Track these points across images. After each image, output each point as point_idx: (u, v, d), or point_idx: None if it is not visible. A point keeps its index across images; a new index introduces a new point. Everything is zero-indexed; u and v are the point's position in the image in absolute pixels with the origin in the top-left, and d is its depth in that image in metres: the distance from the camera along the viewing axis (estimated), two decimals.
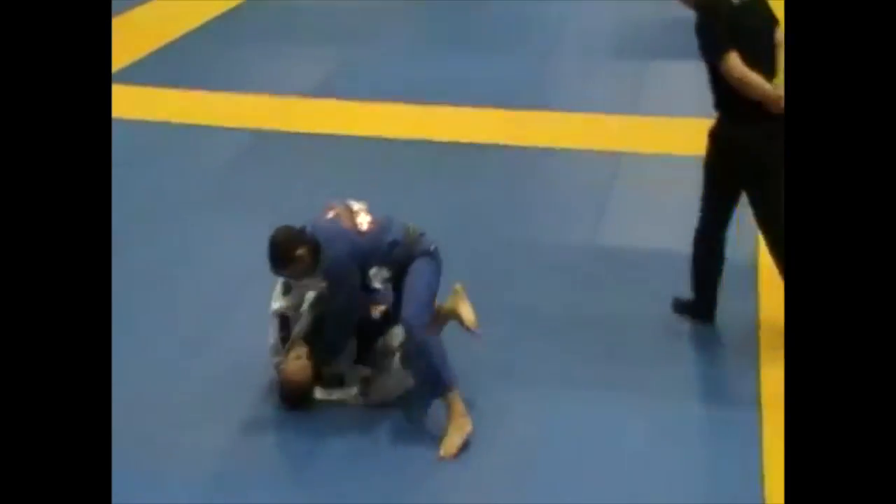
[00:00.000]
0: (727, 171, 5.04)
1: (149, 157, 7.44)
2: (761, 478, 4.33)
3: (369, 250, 4.69)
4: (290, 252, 4.61)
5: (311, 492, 4.45)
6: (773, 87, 4.69)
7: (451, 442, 4.54)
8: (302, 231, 4.68)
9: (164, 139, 7.79)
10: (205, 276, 5.97)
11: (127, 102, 7.86)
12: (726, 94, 4.86)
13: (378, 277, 4.76)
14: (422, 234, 4.81)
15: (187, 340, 5.36)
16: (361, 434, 4.68)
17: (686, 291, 5.41)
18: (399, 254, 4.73)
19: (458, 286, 4.94)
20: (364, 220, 4.72)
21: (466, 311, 4.88)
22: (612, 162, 7.32)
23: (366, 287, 4.75)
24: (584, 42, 9.91)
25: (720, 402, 4.88)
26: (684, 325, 5.40)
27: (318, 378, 4.85)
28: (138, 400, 4.82)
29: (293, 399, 4.80)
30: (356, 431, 4.70)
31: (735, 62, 4.70)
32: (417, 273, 4.71)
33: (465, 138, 7.75)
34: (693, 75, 8.78)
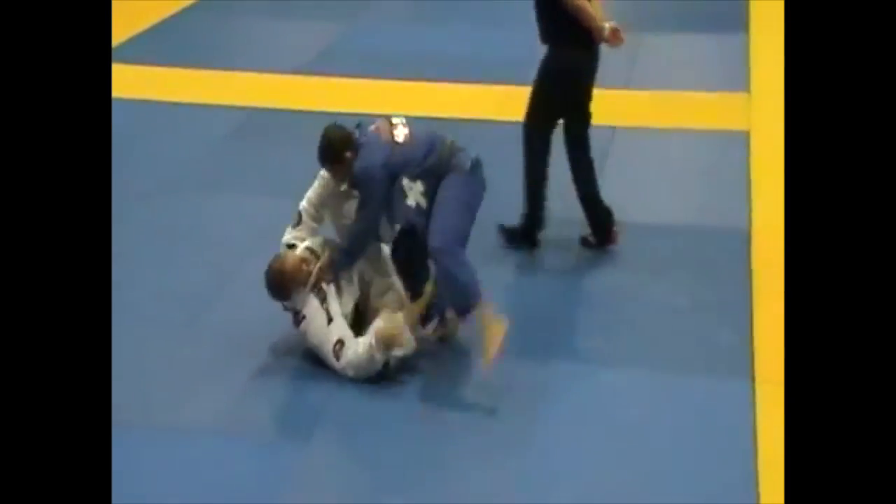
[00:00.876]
0: (562, 93, 5.82)
1: (142, 136, 7.44)
2: (754, 451, 4.37)
3: (402, 161, 4.78)
4: (340, 154, 4.81)
5: (312, 459, 4.50)
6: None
7: (489, 353, 4.65)
8: (351, 135, 4.86)
9: (156, 118, 7.79)
10: (202, 251, 5.99)
11: (120, 81, 7.86)
12: (559, 25, 5.59)
13: (413, 192, 4.80)
14: (461, 150, 4.88)
15: (185, 315, 5.39)
16: (367, 402, 4.71)
17: (679, 260, 5.46)
18: (432, 163, 4.79)
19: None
20: (401, 133, 4.86)
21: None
22: (606, 136, 7.32)
23: (400, 202, 4.82)
24: None
25: (715, 375, 4.89)
26: (680, 298, 5.43)
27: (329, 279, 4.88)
28: (139, 374, 4.85)
29: (270, 284, 4.88)
30: (360, 400, 4.72)
31: None
32: (447, 197, 4.74)
33: (459, 114, 7.75)
34: (686, 49, 8.85)
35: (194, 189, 6.73)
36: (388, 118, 4.99)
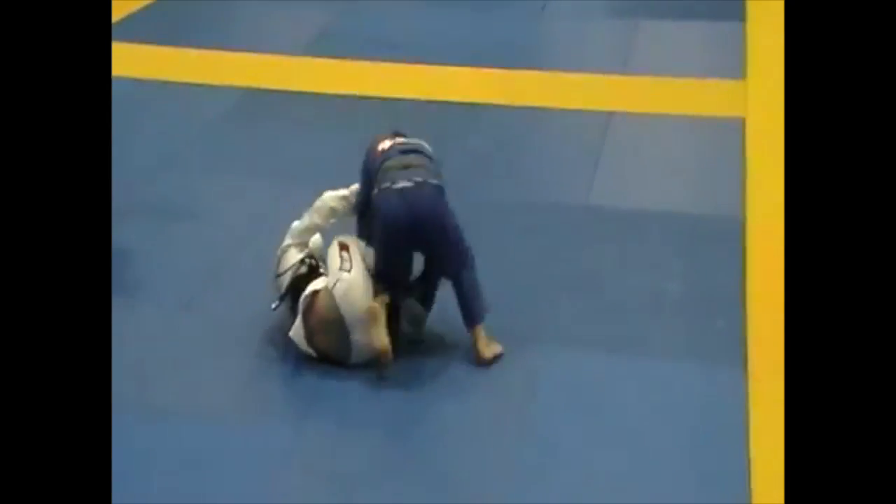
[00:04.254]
0: None
1: (137, 114, 7.44)
2: (746, 441, 4.38)
3: (371, 169, 4.94)
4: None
5: (310, 435, 4.54)
6: None
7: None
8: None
9: (151, 97, 7.79)
10: (199, 231, 6.00)
11: (115, 60, 7.84)
12: None
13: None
14: (420, 181, 4.85)
15: (181, 297, 5.41)
16: (361, 386, 4.75)
17: (671, 247, 5.47)
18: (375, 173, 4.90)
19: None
20: (385, 144, 5.00)
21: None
22: (602, 121, 7.35)
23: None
24: (575, 1, 9.89)
25: (707, 363, 4.90)
26: (672, 285, 5.44)
27: None
28: (133, 355, 4.87)
29: None
30: (354, 383, 4.76)
31: None
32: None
33: (456, 97, 7.75)
34: (683, 36, 8.85)
35: (190, 169, 6.72)
36: (393, 137, 5.10)
